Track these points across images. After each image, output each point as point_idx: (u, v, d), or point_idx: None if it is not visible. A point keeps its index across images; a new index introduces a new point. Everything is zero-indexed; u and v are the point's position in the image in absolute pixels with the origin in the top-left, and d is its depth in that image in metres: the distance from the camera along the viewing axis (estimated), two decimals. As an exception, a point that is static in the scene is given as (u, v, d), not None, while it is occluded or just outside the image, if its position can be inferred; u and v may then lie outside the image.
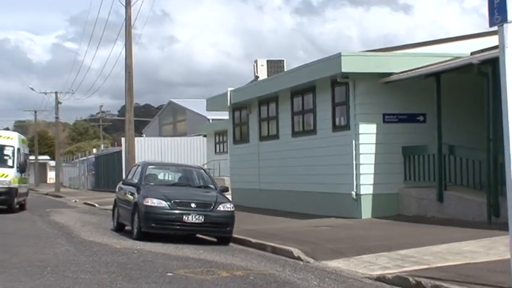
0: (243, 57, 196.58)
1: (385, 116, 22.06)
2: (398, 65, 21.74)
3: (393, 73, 21.61)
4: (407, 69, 21.34)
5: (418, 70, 20.94)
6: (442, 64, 20.59)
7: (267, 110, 28.86)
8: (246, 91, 30.96)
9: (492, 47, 17.23)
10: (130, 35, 34.62)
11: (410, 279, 10.77)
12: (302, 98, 25.73)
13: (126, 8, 34.45)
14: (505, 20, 9.54)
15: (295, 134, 26.39)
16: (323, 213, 23.09)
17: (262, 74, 37.66)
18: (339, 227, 19.71)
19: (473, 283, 10.08)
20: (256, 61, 39.85)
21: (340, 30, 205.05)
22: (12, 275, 11.06)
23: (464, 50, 21.61)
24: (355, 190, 22.01)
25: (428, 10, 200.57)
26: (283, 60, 40.85)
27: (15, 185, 28.64)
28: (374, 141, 21.95)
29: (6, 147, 29.83)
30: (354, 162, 22.03)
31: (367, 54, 23.38)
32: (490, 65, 17.38)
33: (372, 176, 21.94)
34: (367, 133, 21.97)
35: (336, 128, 23.32)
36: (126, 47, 34.76)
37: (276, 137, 28.02)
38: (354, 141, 22.07)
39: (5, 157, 29.44)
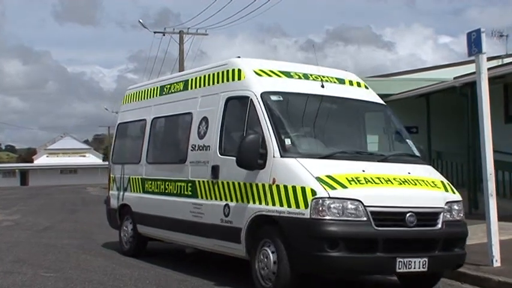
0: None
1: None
2: (396, 87, 21.66)
3: (392, 94, 21.48)
4: (402, 91, 21.27)
5: (411, 91, 20.85)
6: (430, 87, 20.47)
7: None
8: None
9: (470, 73, 17.06)
10: (183, 64, 36.35)
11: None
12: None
13: (179, 45, 37.16)
14: (480, 51, 9.55)
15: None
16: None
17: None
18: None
19: (457, 262, 9.94)
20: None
21: (338, 63, 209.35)
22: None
23: (440, 76, 21.85)
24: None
25: (407, 46, 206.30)
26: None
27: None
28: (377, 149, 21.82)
29: (370, 105, 10.17)
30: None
31: (370, 79, 23.28)
32: (469, 87, 17.21)
33: (375, 176, 21.76)
34: (371, 142, 21.81)
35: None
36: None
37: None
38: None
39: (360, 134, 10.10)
